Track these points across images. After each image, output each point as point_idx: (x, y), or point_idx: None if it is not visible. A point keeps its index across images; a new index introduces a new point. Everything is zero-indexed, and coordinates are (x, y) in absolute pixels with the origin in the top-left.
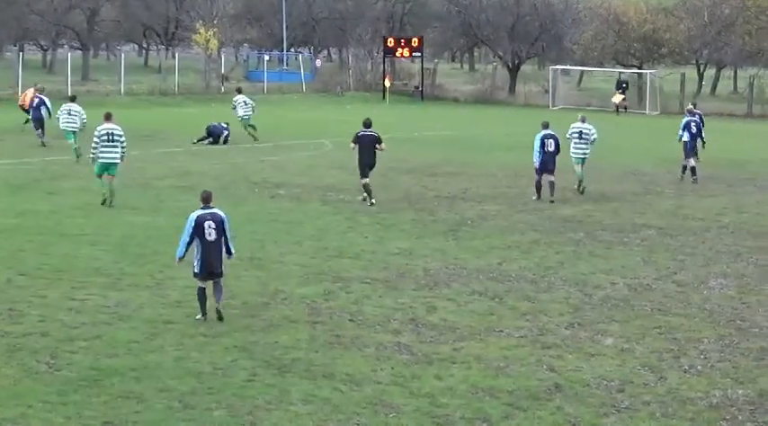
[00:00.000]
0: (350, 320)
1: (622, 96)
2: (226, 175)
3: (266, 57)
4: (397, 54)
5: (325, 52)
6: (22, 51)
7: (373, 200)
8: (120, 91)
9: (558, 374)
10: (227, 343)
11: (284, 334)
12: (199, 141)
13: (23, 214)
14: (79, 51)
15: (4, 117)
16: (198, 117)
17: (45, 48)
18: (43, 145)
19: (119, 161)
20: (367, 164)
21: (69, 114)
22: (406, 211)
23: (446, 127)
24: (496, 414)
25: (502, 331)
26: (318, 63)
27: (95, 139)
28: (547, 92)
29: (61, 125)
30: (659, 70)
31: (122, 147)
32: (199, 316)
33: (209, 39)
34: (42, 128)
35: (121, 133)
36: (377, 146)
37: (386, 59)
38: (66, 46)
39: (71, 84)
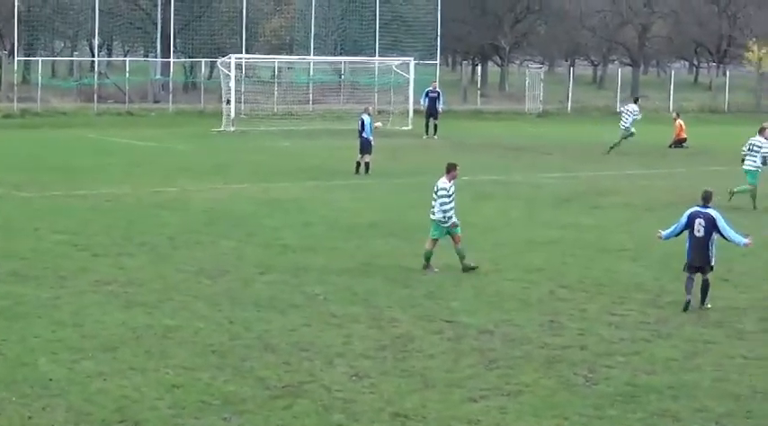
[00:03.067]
0: None
1: None
2: None
3: None
4: None
5: None
6: (573, 66)
7: None
8: (670, 107)
9: None
10: (767, 366)
11: None
12: None
13: (567, 227)
14: (629, 67)
15: (555, 130)
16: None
17: (596, 63)
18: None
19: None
20: None
21: None
22: None
23: None
24: None
25: None
26: None
27: None
28: None
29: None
30: None
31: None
32: (687, 297)
33: (761, 58)
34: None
35: (761, 145)
36: None
37: None
38: (616, 61)
39: (620, 100)
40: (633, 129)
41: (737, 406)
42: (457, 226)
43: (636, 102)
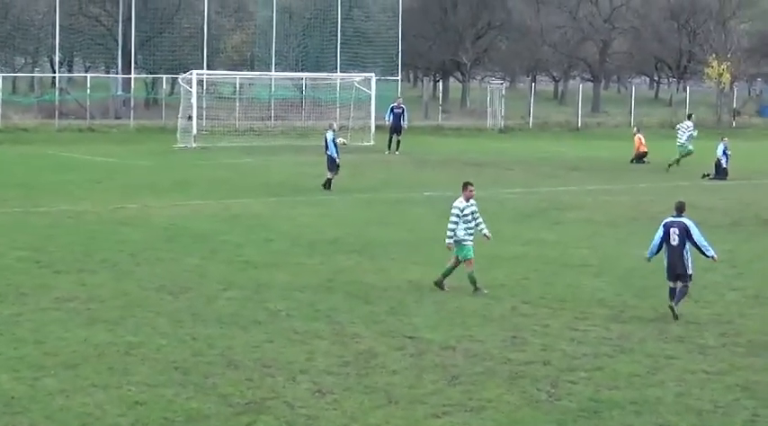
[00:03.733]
0: None
1: None
2: (736, 211)
3: None
4: None
5: None
6: (534, 82)
7: None
8: (630, 123)
9: None
10: (729, 381)
11: None
12: (706, 176)
13: (529, 243)
14: (590, 83)
15: (516, 145)
16: (706, 151)
17: (557, 79)
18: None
19: None
20: None
21: None
22: None
23: None
24: None
25: None
26: None
27: None
28: None
29: None
30: None
31: None
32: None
33: (721, 73)
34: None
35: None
36: None
37: None
38: (577, 77)
39: (581, 116)
40: (691, 147)
41: (700, 421)
42: (464, 246)
43: (689, 118)
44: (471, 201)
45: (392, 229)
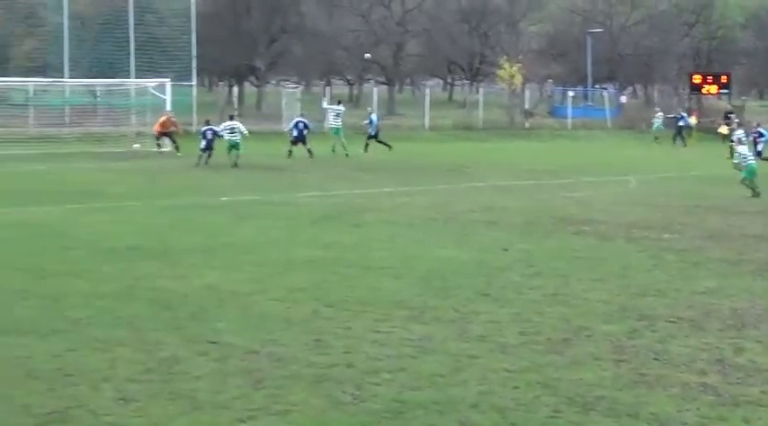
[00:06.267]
0: (654, 359)
1: None
2: (530, 211)
3: (570, 93)
4: (704, 91)
5: (630, 88)
6: (329, 85)
7: None
8: (425, 125)
9: None
10: (530, 379)
11: (588, 372)
12: None
13: (328, 246)
14: (385, 86)
15: (314, 148)
16: (499, 152)
17: (351, 82)
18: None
19: None
20: None
21: None
22: (711, 250)
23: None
24: None
25: None
26: (623, 99)
27: None
28: None
29: None
30: None
31: None
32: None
33: (513, 75)
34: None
35: None
36: None
37: (692, 96)
38: (372, 80)
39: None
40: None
41: (503, 418)
42: None
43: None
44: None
45: (190, 235)
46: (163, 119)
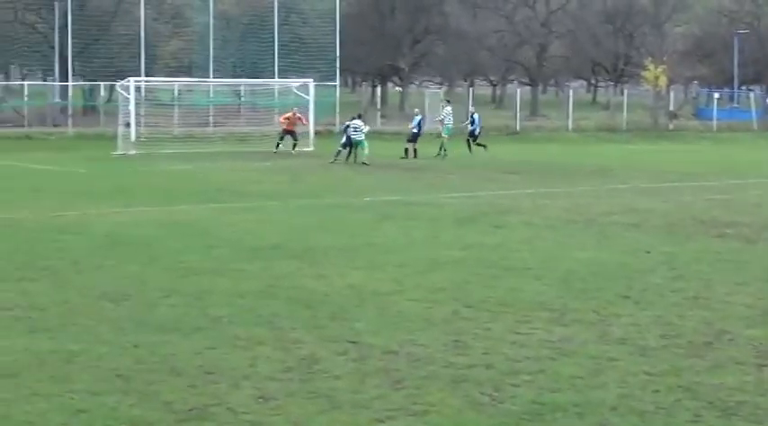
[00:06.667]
0: None
1: None
2: (673, 213)
3: (716, 95)
4: None
5: None
6: (473, 86)
7: None
8: (568, 127)
9: None
10: (671, 383)
11: (729, 376)
12: None
13: (470, 247)
14: (528, 87)
15: (455, 150)
16: (643, 154)
17: (495, 83)
18: None
19: None
20: None
21: None
22: None
23: None
24: None
25: None
26: None
27: None
28: None
29: None
30: None
31: None
32: None
33: (658, 76)
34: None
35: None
36: None
37: None
38: (515, 81)
39: (520, 120)
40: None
41: (642, 422)
42: None
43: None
44: None
45: (332, 235)
46: (289, 114)
